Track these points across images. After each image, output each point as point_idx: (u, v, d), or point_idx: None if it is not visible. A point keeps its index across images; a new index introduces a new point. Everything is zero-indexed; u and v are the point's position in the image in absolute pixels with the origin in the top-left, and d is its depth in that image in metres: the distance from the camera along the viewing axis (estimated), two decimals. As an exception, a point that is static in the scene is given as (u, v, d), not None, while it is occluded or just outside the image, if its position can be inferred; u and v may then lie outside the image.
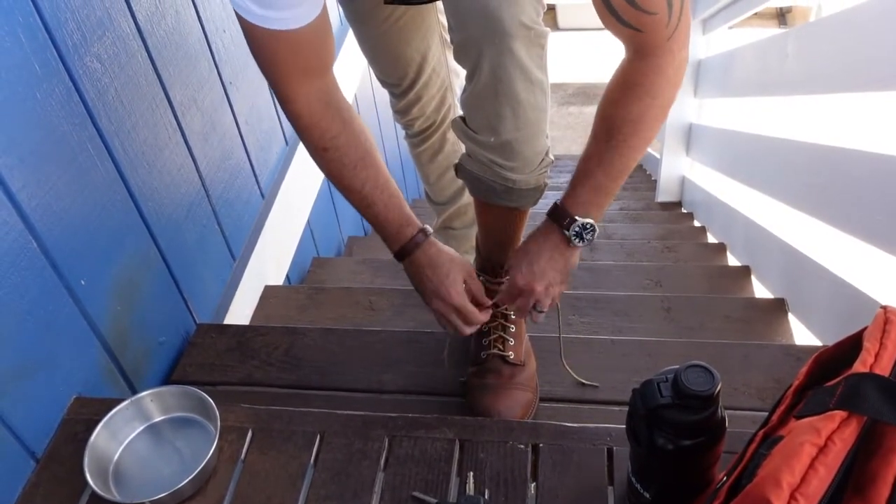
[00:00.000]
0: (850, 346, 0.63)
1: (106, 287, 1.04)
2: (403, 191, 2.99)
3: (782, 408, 0.65)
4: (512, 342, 1.13)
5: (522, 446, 0.90)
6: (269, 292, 1.61)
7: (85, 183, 0.99)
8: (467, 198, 1.50)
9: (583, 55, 5.30)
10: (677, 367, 0.68)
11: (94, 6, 0.99)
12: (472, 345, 1.18)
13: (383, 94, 1.40)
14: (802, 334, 1.44)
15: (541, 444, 0.90)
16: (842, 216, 1.32)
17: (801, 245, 1.52)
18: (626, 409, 0.75)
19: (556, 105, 5.37)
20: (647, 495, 0.77)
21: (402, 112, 1.37)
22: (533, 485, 0.86)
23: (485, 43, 0.85)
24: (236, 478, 0.89)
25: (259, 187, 1.62)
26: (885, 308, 0.63)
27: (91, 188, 1.01)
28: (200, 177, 1.32)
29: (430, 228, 1.00)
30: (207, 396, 0.94)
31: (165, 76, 1.19)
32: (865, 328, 0.63)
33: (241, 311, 1.47)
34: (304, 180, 1.88)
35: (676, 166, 2.65)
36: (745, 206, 1.94)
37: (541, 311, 1.01)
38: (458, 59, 0.93)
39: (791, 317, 1.49)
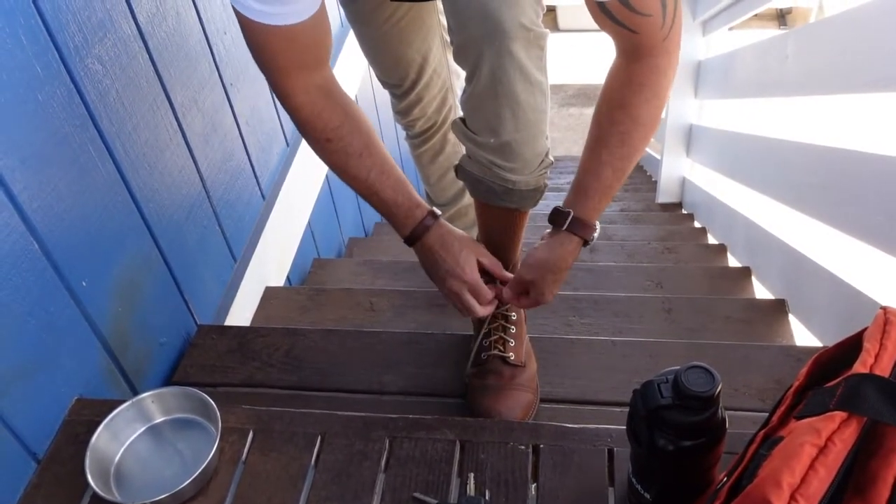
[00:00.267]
0: (850, 347, 0.63)
1: (107, 288, 1.04)
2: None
3: (782, 408, 0.65)
4: (512, 343, 1.13)
5: (523, 447, 0.90)
6: (269, 293, 1.61)
7: (86, 184, 0.99)
8: (468, 199, 1.50)
9: (583, 56, 5.30)
10: (678, 367, 0.68)
11: (95, 8, 0.99)
12: (472, 345, 1.18)
13: (384, 96, 1.40)
14: (803, 335, 1.44)
15: (541, 445, 0.90)
16: (842, 217, 1.32)
17: (802, 246, 1.52)
18: (626, 410, 0.75)
19: (556, 106, 5.37)
20: (648, 496, 0.77)
21: (402, 113, 1.37)
22: (534, 486, 0.86)
23: (484, 44, 0.85)
24: (237, 479, 0.89)
25: (260, 188, 1.62)
26: (884, 309, 0.63)
27: (92, 189, 1.01)
28: (201, 178, 1.33)
29: (438, 210, 1.00)
30: (208, 398, 0.94)
31: (166, 78, 1.19)
32: (865, 329, 0.63)
33: (241, 313, 1.48)
34: (304, 181, 1.88)
35: (677, 167, 2.65)
36: (746, 208, 1.94)
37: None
38: (457, 60, 0.93)
39: (791, 318, 1.49)
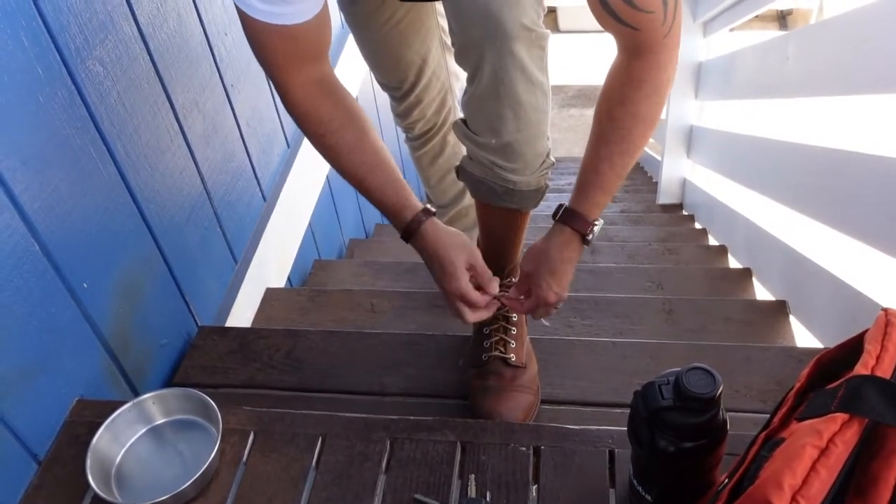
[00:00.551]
0: (852, 349, 0.63)
1: (108, 289, 1.04)
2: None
3: (784, 410, 0.65)
4: (513, 344, 1.13)
5: (524, 448, 0.90)
6: (270, 295, 1.61)
7: (87, 186, 0.99)
8: (468, 200, 1.50)
9: (583, 57, 5.31)
10: (679, 369, 0.68)
11: (96, 10, 1.00)
12: (473, 347, 1.18)
13: (385, 97, 1.40)
14: (804, 336, 1.44)
15: (542, 447, 0.90)
16: (842, 218, 1.32)
17: (802, 247, 1.52)
18: (627, 411, 0.75)
19: (556, 107, 5.37)
20: (649, 497, 0.77)
21: (402, 115, 1.38)
22: (534, 487, 0.86)
23: (486, 45, 0.85)
24: (238, 480, 0.89)
25: (261, 189, 1.62)
26: (885, 310, 0.63)
27: (93, 191, 1.01)
28: (202, 179, 1.33)
29: (432, 208, 0.97)
30: (209, 399, 0.94)
31: (167, 79, 1.19)
32: (866, 330, 0.63)
33: (242, 314, 1.48)
34: (305, 182, 1.88)
35: (677, 168, 2.65)
36: (746, 209, 1.94)
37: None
38: (459, 61, 0.94)
39: (792, 319, 1.49)
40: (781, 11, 5.91)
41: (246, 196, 1.54)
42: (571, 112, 5.39)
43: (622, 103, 0.88)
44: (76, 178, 0.97)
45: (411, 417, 0.95)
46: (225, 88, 1.43)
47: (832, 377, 0.61)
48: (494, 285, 0.98)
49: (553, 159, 1.01)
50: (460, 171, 1.04)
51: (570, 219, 0.94)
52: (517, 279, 1.02)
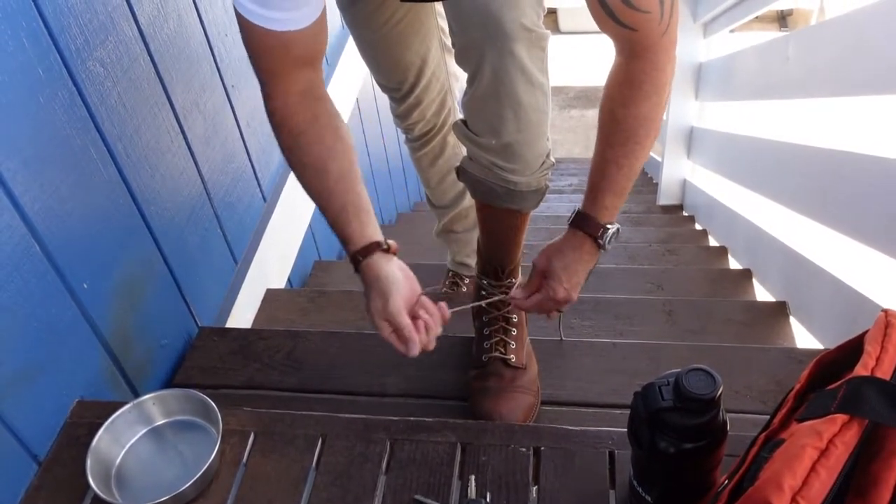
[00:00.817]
0: (852, 350, 0.63)
1: (108, 290, 1.04)
2: (404, 194, 3.00)
3: (784, 411, 0.65)
4: (513, 345, 1.13)
5: (524, 449, 0.90)
6: (270, 295, 1.61)
7: (88, 187, 0.99)
8: (468, 201, 1.50)
9: (584, 58, 5.31)
10: (679, 370, 0.68)
11: (96, 10, 1.00)
12: (473, 348, 1.18)
13: (385, 99, 1.40)
14: (804, 337, 1.44)
15: (542, 448, 0.90)
16: (843, 219, 1.32)
17: (803, 248, 1.52)
18: (627, 412, 0.75)
19: (557, 108, 5.37)
20: (649, 498, 0.77)
21: (402, 116, 1.37)
22: (535, 488, 0.86)
23: (486, 46, 0.85)
24: (238, 481, 0.89)
25: (261, 190, 1.62)
26: (885, 311, 0.63)
27: (94, 192, 1.01)
28: (202, 180, 1.33)
29: (387, 244, 0.92)
30: (209, 400, 0.94)
31: (167, 80, 1.19)
32: (867, 331, 0.63)
33: (242, 315, 1.48)
34: (305, 184, 1.88)
35: (678, 169, 2.65)
36: (747, 210, 1.94)
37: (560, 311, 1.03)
38: (459, 62, 0.94)
39: (792, 320, 1.49)
40: (782, 12, 5.91)
41: (246, 197, 1.54)
42: (572, 113, 5.39)
43: (623, 105, 0.88)
44: (77, 178, 0.97)
45: (411, 418, 0.95)
46: (225, 89, 1.43)
47: (832, 378, 0.61)
48: (442, 314, 0.93)
49: (553, 160, 1.01)
50: (460, 172, 1.04)
51: (582, 222, 0.94)
52: (529, 276, 1.02)
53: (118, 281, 1.07)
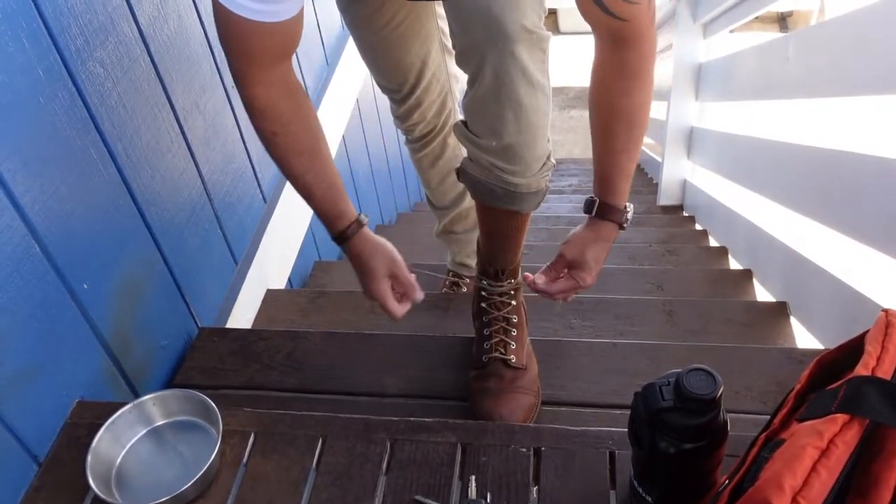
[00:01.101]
0: (852, 350, 0.63)
1: (109, 291, 1.04)
2: (404, 195, 3.01)
3: (784, 411, 0.65)
4: (514, 346, 1.13)
5: (524, 450, 0.90)
6: (271, 296, 1.61)
7: (88, 187, 0.99)
8: (469, 202, 1.50)
9: (584, 59, 5.29)
10: (679, 370, 0.68)
11: (96, 11, 1.00)
12: (473, 348, 1.18)
13: (385, 100, 1.40)
14: (804, 337, 1.44)
15: (543, 448, 0.90)
16: (843, 219, 1.32)
17: (803, 248, 1.52)
18: (627, 412, 0.75)
19: (557, 109, 5.37)
20: (650, 499, 0.76)
21: (402, 118, 1.37)
22: (535, 488, 0.86)
23: (487, 47, 0.85)
24: (238, 481, 0.89)
25: (261, 191, 1.62)
26: (886, 311, 0.63)
27: (94, 192, 1.01)
28: (203, 181, 1.33)
29: (364, 219, 1.04)
30: (209, 400, 0.94)
31: (168, 80, 1.19)
32: (867, 331, 0.63)
33: (243, 315, 1.48)
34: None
35: (678, 170, 2.65)
36: (747, 210, 1.94)
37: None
38: (459, 63, 0.94)
39: (793, 320, 1.48)
40: (781, 13, 5.92)
41: (246, 197, 1.54)
42: (572, 114, 5.40)
43: (625, 95, 0.92)
44: (77, 179, 0.97)
45: (412, 419, 0.95)
46: (225, 90, 1.43)
47: (833, 378, 0.61)
48: (418, 294, 1.07)
49: (554, 161, 1.01)
50: (461, 173, 1.04)
51: (606, 212, 1.02)
52: (552, 263, 1.07)
53: (118, 281, 1.07)
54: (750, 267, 1.81)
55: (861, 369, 0.57)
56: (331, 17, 2.15)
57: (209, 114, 1.35)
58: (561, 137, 5.07)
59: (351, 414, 0.96)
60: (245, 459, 0.91)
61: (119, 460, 0.93)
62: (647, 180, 3.55)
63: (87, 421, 0.96)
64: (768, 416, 0.68)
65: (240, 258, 1.50)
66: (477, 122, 0.94)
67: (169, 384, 1.21)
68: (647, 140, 3.87)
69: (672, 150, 2.59)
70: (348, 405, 1.16)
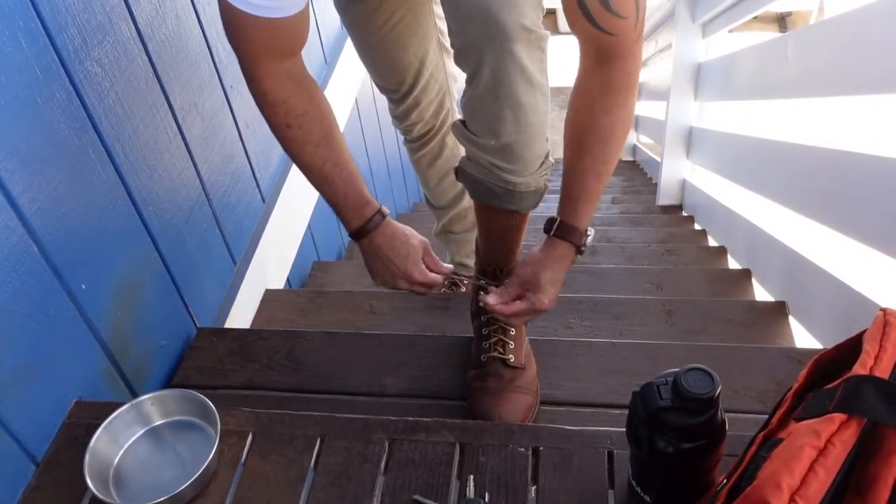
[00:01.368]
0: (850, 349, 0.63)
1: (107, 291, 1.04)
2: (404, 195, 3.00)
3: (782, 410, 0.65)
4: (512, 345, 1.13)
5: (523, 449, 0.90)
6: (269, 296, 1.61)
7: (86, 187, 0.99)
8: (467, 202, 1.50)
9: (583, 59, 5.30)
10: (677, 369, 0.68)
11: (94, 10, 1.00)
12: (472, 348, 1.18)
13: (383, 100, 1.40)
14: (803, 337, 1.44)
15: (541, 448, 0.90)
16: (842, 219, 1.32)
17: (802, 248, 1.52)
18: (626, 412, 0.75)
19: (556, 109, 5.37)
20: (648, 498, 0.76)
21: (400, 117, 1.38)
22: (533, 488, 0.86)
23: (486, 46, 0.85)
24: (237, 481, 0.89)
25: (260, 191, 1.62)
26: (884, 310, 0.63)
27: (92, 192, 1.01)
28: (201, 181, 1.33)
29: (386, 209, 1.02)
30: (208, 400, 0.94)
31: (166, 80, 1.19)
32: (865, 331, 0.63)
33: (241, 315, 1.47)
34: (304, 183, 1.87)
35: (677, 170, 2.65)
36: (746, 210, 1.94)
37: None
38: (458, 62, 0.93)
39: (792, 320, 1.48)
40: (781, 13, 5.92)
41: (245, 197, 1.54)
42: (571, 113, 5.38)
43: (606, 112, 0.90)
44: (74, 179, 0.97)
45: (410, 418, 0.95)
46: (224, 89, 1.43)
47: (831, 377, 0.61)
48: (447, 268, 1.06)
49: (552, 160, 1.01)
50: (459, 172, 1.04)
51: (567, 233, 0.97)
52: (508, 283, 1.02)
53: (116, 281, 1.06)
54: (749, 267, 1.81)
55: (859, 368, 0.57)
56: (330, 17, 2.15)
57: (207, 114, 1.35)
58: (559, 137, 5.05)
59: (349, 414, 0.96)
60: (243, 459, 0.91)
61: (117, 460, 0.93)
62: (646, 180, 3.55)
63: (85, 421, 0.96)
64: (766, 416, 0.68)
65: (238, 258, 1.49)
66: (475, 121, 0.94)
67: (167, 384, 1.21)
68: (646, 140, 3.88)
69: (671, 149, 2.59)
70: (347, 405, 1.16)
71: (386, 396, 1.18)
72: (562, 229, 0.97)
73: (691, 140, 2.53)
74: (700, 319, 1.47)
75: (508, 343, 1.13)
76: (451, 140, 1.42)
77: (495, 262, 1.15)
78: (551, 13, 6.05)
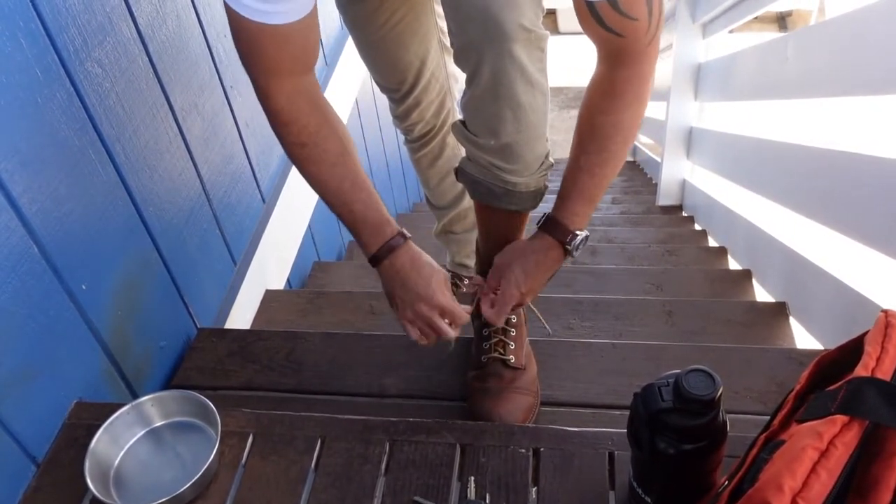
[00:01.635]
0: (852, 350, 0.63)
1: (107, 291, 1.04)
2: (404, 195, 3.00)
3: (784, 412, 0.65)
4: (513, 346, 1.13)
5: (523, 450, 0.90)
6: (270, 297, 1.61)
7: (86, 188, 0.99)
8: (468, 202, 1.50)
9: (583, 59, 5.30)
10: (678, 371, 0.68)
11: (95, 11, 1.00)
12: (472, 349, 1.18)
13: (384, 100, 1.40)
14: (804, 338, 1.44)
15: (542, 449, 0.90)
16: (843, 219, 1.32)
17: (803, 248, 1.51)
18: (626, 412, 0.74)
19: (556, 109, 5.37)
20: (649, 500, 0.76)
21: (401, 117, 1.37)
22: (534, 489, 0.86)
23: (485, 46, 0.85)
24: (237, 482, 0.89)
25: (260, 192, 1.62)
26: (885, 312, 0.63)
27: (92, 193, 1.01)
28: (201, 181, 1.33)
29: (407, 233, 0.97)
30: (208, 401, 0.94)
31: (166, 81, 1.19)
32: (867, 332, 0.63)
33: (242, 316, 1.47)
34: (305, 184, 1.87)
35: (677, 170, 2.65)
36: (746, 210, 1.94)
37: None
38: (458, 62, 0.93)
39: (792, 320, 1.48)
40: (781, 13, 5.92)
41: (245, 198, 1.54)
42: (571, 113, 5.40)
43: (604, 113, 0.89)
44: (75, 179, 0.96)
45: (411, 419, 0.95)
46: (224, 90, 1.43)
47: (832, 379, 0.61)
48: (466, 309, 0.98)
49: (552, 160, 1.01)
50: (459, 173, 1.04)
51: (551, 227, 0.95)
52: (489, 273, 1.01)
53: (117, 282, 1.06)
54: (749, 267, 1.81)
55: (860, 370, 0.57)
56: (330, 17, 2.15)
57: (208, 114, 1.35)
58: (560, 137, 5.07)
59: (350, 415, 0.96)
60: (244, 460, 0.91)
61: (117, 461, 0.93)
62: (646, 180, 3.55)
63: (85, 422, 0.96)
64: (768, 417, 0.67)
65: (238, 258, 1.49)
66: (475, 121, 0.94)
67: (167, 385, 1.21)
68: (646, 140, 3.88)
69: (671, 150, 2.58)
70: (347, 406, 1.16)
71: (386, 397, 1.18)
72: (547, 223, 0.96)
73: (691, 140, 2.53)
74: (700, 320, 1.46)
75: (509, 343, 1.13)
76: (452, 140, 1.42)
77: (496, 263, 1.15)
78: (551, 13, 6.05)
